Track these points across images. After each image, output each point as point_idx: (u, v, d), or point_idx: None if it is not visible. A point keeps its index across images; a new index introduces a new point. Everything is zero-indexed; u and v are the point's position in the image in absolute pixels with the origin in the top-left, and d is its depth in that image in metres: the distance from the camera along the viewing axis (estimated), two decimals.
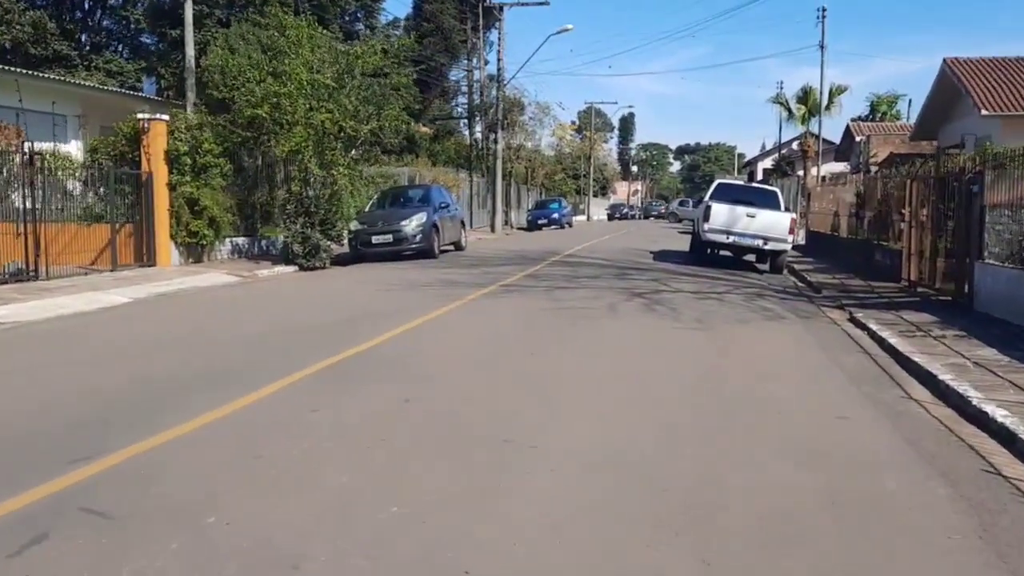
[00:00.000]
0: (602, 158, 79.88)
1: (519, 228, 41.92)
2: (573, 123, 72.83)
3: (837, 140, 41.46)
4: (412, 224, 18.00)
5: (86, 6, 33.44)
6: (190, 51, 20.51)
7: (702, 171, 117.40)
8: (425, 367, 6.79)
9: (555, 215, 42.65)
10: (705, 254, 18.01)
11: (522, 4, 36.74)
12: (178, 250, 16.29)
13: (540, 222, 41.67)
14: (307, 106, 16.78)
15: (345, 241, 18.40)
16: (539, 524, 3.55)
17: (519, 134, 49.18)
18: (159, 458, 4.35)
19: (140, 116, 15.95)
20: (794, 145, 48.35)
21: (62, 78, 21.25)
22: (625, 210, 72.89)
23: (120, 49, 34.50)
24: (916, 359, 7.06)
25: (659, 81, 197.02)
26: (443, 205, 20.02)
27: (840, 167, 38.23)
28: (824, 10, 37.14)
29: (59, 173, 14.14)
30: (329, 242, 16.85)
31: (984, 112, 19.82)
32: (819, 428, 5.17)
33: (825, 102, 38.49)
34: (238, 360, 7.20)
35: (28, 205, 12.82)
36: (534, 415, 5.32)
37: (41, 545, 3.28)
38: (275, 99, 16.47)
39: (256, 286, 13.86)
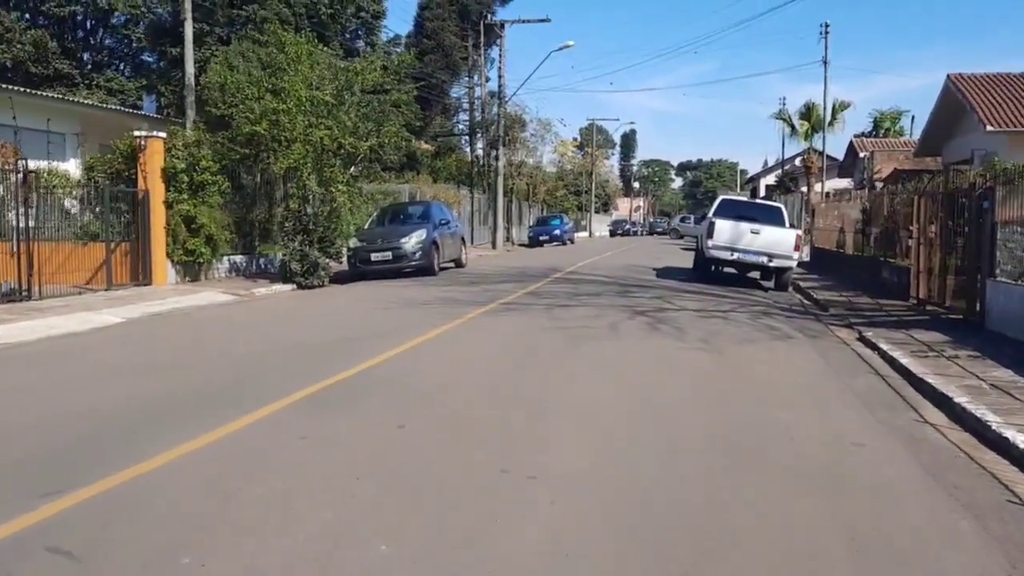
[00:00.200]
0: (604, 174, 79.89)
1: (520, 245, 41.77)
2: (575, 139, 73.02)
3: (840, 156, 41.35)
4: (412, 241, 17.82)
5: (88, 25, 33.54)
6: (190, 68, 20.44)
7: (704, 187, 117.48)
8: (420, 391, 6.55)
9: (557, 231, 42.51)
10: (709, 271, 17.79)
11: (523, 21, 36.89)
12: (174, 269, 16.10)
13: (542, 238, 41.50)
14: (306, 123, 16.65)
15: (344, 259, 18.22)
16: (538, 566, 3.30)
17: (520, 151, 49.13)
18: (134, 492, 4.11)
19: (137, 134, 15.81)
20: (797, 161, 48.18)
21: (60, 96, 21.14)
22: (627, 226, 72.75)
23: (122, 68, 34.56)
24: (930, 380, 6.83)
25: (661, 97, 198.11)
26: (443, 222, 19.85)
27: (844, 183, 38.09)
28: (827, 25, 37.07)
29: (57, 191, 13.99)
30: (328, 260, 16.65)
31: (989, 128, 19.66)
32: (834, 457, 4.91)
33: (828, 118, 38.34)
34: (227, 383, 6.97)
35: (23, 224, 12.66)
36: (532, 443, 5.07)
37: None
38: (274, 116, 16.36)
39: (252, 305, 13.65)
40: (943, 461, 4.90)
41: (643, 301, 13.09)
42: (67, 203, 14.58)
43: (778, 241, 16.14)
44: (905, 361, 7.73)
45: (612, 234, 67.57)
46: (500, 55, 37.09)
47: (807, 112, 42.47)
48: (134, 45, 33.80)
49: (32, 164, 13.30)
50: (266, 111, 16.31)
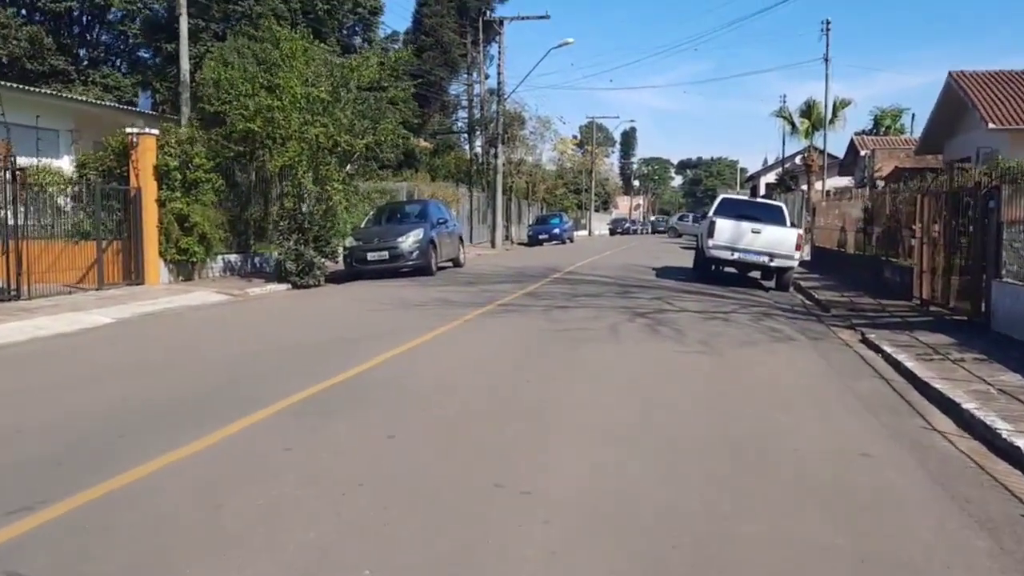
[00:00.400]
0: (603, 173, 79.67)
1: (520, 243, 41.59)
2: (574, 137, 72.73)
3: (840, 154, 41.13)
4: (409, 240, 17.60)
5: (84, 21, 33.32)
6: (185, 65, 20.23)
7: (704, 186, 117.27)
8: (413, 397, 6.37)
9: (556, 230, 42.34)
10: (709, 271, 17.61)
11: (522, 18, 36.65)
12: (167, 268, 15.89)
13: (541, 237, 41.33)
14: (301, 120, 16.46)
15: (340, 258, 18.02)
16: None
17: (520, 149, 48.88)
18: (108, 507, 3.92)
19: (129, 130, 15.60)
20: (797, 159, 47.97)
21: (54, 92, 20.95)
22: (627, 225, 72.58)
23: (118, 64, 34.36)
24: (936, 385, 6.65)
25: (661, 95, 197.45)
26: (441, 221, 19.63)
27: (844, 181, 37.88)
28: (828, 22, 36.84)
29: (48, 189, 13.79)
30: (323, 259, 16.45)
31: (991, 126, 19.48)
32: (840, 468, 4.72)
33: (830, 116, 38.13)
34: (214, 388, 6.78)
35: (11, 222, 12.46)
36: (527, 455, 4.88)
37: None
38: (268, 113, 16.17)
39: (246, 305, 13.46)
40: (954, 472, 4.72)
41: (643, 302, 12.91)
42: (59, 201, 14.39)
43: (779, 241, 15.95)
44: (910, 364, 7.55)
45: (612, 232, 67.38)
46: (499, 52, 36.95)
47: (808, 110, 42.31)
48: (130, 41, 33.61)
49: (23, 161, 13.11)
50: (261, 108, 16.12)
